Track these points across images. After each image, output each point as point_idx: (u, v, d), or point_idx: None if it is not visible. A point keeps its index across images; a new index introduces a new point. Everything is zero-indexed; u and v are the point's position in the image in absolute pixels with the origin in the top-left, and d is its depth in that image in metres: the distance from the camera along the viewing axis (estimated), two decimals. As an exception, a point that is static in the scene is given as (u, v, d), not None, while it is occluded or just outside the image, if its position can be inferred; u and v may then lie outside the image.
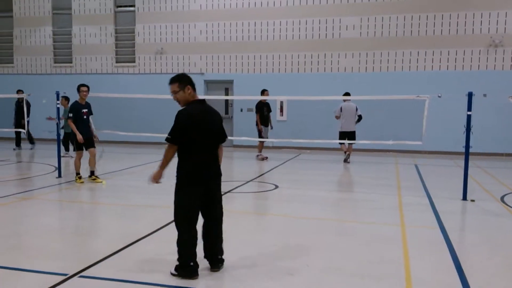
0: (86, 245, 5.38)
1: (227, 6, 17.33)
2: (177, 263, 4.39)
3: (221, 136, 4.64)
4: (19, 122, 14.74)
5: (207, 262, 4.56)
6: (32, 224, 6.29)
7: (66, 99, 13.29)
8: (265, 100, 13.48)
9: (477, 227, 6.54)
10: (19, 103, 15.25)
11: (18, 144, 15.72)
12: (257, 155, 13.65)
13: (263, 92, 13.30)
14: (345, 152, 13.37)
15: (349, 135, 12.95)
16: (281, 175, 11.08)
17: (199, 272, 4.35)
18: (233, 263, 4.73)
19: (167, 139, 4.37)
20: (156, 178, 4.51)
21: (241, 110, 17.23)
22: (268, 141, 13.79)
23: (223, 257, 4.61)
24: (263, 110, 13.59)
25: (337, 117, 13.22)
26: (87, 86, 9.45)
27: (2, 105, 15.56)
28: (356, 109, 13.05)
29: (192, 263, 4.34)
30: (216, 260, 4.55)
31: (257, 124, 13.49)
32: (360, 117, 13.20)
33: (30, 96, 12.80)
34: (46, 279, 4.19)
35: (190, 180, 4.36)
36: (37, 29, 19.57)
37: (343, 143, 13.08)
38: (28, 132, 14.90)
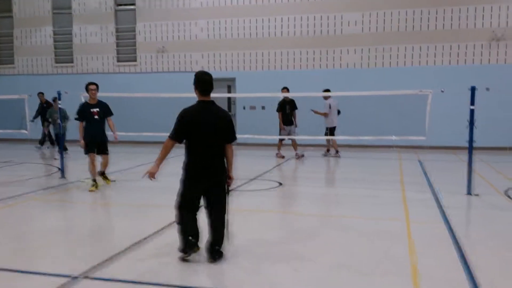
0: (91, 246, 5.37)
1: (228, 3, 17.29)
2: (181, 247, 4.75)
3: (225, 136, 4.76)
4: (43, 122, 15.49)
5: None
6: (37, 225, 6.28)
7: (54, 100, 13.45)
8: (288, 98, 13.15)
9: (482, 221, 6.52)
10: (41, 104, 15.88)
11: (42, 143, 16.08)
12: (276, 153, 13.65)
13: (282, 89, 13.18)
14: (328, 149, 13.85)
15: (334, 130, 13.43)
16: (285, 172, 11.07)
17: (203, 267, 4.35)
18: (238, 260, 4.72)
19: (169, 134, 4.73)
20: (152, 172, 4.87)
21: (244, 108, 17.22)
22: (289, 138, 13.19)
23: (223, 252, 4.83)
24: (284, 109, 13.29)
25: (327, 114, 13.30)
26: (96, 84, 8.87)
27: (5, 106, 15.56)
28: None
29: (190, 237, 4.66)
30: (213, 251, 4.73)
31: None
32: (339, 112, 13.66)
33: (32, 97, 12.80)
34: (53, 281, 4.19)
35: (190, 175, 4.70)
36: (38, 29, 19.56)
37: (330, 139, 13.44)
38: (48, 133, 15.61)
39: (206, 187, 4.70)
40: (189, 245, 4.67)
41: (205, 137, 4.63)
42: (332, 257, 4.84)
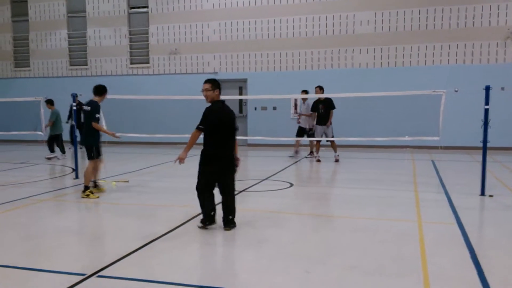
0: (104, 245, 5.42)
1: (239, 4, 17.34)
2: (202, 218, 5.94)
3: (234, 129, 5.95)
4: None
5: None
6: (50, 225, 6.36)
7: (51, 102, 13.55)
8: (323, 98, 12.69)
9: (496, 222, 6.44)
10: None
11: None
12: (314, 156, 13.30)
13: (316, 88, 13.04)
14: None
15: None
16: (296, 172, 11.05)
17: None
18: (249, 260, 4.73)
19: (197, 126, 5.83)
20: (182, 158, 5.90)
21: (255, 109, 17.25)
22: (323, 139, 12.79)
23: (235, 222, 5.96)
24: (317, 109, 12.90)
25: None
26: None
27: (21, 108, 15.80)
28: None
29: (212, 213, 5.88)
30: (227, 221, 5.88)
31: None
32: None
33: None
34: (65, 279, 4.24)
35: (206, 161, 5.83)
36: (53, 33, 19.82)
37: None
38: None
39: (219, 171, 5.81)
40: (209, 219, 5.86)
41: (222, 129, 5.81)
42: (343, 258, 4.82)
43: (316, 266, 4.58)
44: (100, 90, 8.35)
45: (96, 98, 8.31)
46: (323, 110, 12.78)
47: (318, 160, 12.90)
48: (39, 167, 12.31)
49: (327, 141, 12.80)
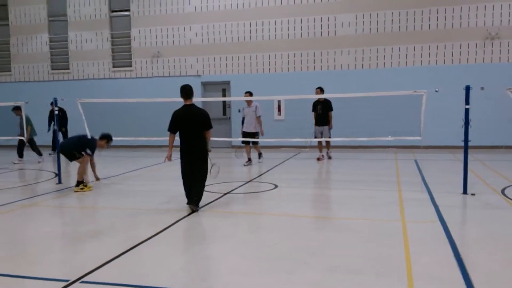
0: (88, 250, 5.37)
1: (221, 7, 17.35)
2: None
3: (201, 126, 7.10)
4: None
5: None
6: (33, 231, 6.28)
7: (19, 108, 13.32)
8: (322, 98, 12.84)
9: (478, 221, 6.53)
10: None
11: (53, 149, 15.98)
12: (317, 158, 13.40)
13: (316, 89, 13.10)
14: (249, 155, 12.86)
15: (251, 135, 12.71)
16: (280, 174, 11.08)
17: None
18: (233, 263, 4.73)
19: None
20: (168, 156, 7.26)
21: (239, 111, 17.22)
22: (308, 140, 12.54)
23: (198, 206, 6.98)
24: (316, 109, 13.21)
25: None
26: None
27: (1, 113, 15.55)
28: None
29: (195, 198, 7.03)
30: (192, 200, 6.98)
31: None
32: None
33: (28, 104, 12.81)
34: (48, 285, 4.19)
35: (181, 154, 7.15)
36: (34, 37, 19.60)
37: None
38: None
39: (191, 161, 7.06)
40: (190, 202, 7.01)
41: (187, 128, 7.05)
42: (327, 258, 4.84)
43: (299, 266, 4.59)
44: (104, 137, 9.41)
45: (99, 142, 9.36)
46: (320, 111, 13.06)
47: (319, 159, 13.27)
48: (20, 172, 12.15)
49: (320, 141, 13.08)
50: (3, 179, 11.19)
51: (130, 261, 4.90)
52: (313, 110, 13.31)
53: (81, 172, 8.91)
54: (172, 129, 7.19)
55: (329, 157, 13.56)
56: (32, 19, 19.59)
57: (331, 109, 13.13)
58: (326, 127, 13.17)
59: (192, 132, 7.05)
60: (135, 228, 6.31)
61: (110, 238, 5.84)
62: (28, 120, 13.36)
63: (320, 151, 13.48)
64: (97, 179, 9.95)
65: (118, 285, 4.21)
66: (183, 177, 7.20)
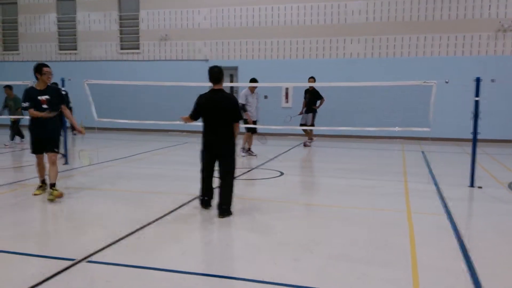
0: (94, 231, 5.38)
1: (231, -9, 17.19)
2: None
3: (228, 115, 6.03)
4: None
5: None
6: (39, 210, 6.31)
7: (11, 88, 13.20)
8: (312, 87, 13.40)
9: (484, 213, 6.50)
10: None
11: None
12: (304, 142, 14.03)
13: (309, 79, 13.24)
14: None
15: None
16: (287, 162, 11.05)
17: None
18: (237, 250, 4.73)
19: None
20: (184, 118, 6.36)
21: (266, 97, 17.11)
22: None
23: (231, 212, 6.01)
24: (304, 97, 13.71)
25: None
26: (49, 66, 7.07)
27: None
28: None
29: (205, 198, 6.21)
30: (221, 209, 5.93)
31: None
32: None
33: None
34: (55, 264, 4.21)
35: (203, 145, 6.14)
36: (42, 16, 19.53)
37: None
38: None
39: (215, 154, 6.07)
40: (202, 203, 6.23)
41: (213, 116, 6.01)
42: (332, 247, 4.83)
43: (304, 254, 4.59)
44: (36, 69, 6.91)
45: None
46: (308, 100, 13.58)
47: (306, 145, 13.79)
48: (25, 152, 12.19)
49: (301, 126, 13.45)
50: (9, 157, 11.22)
51: (135, 243, 4.91)
52: (304, 98, 13.84)
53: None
54: (194, 115, 6.19)
55: (305, 144, 13.82)
56: (40, -2, 19.51)
57: (318, 97, 13.53)
58: (310, 115, 13.60)
59: (217, 121, 6.01)
60: (141, 210, 6.31)
61: (117, 220, 5.85)
62: (18, 101, 13.04)
63: (309, 138, 13.98)
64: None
65: (124, 266, 4.23)
66: (202, 172, 6.18)
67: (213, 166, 6.14)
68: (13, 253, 4.52)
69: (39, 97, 6.71)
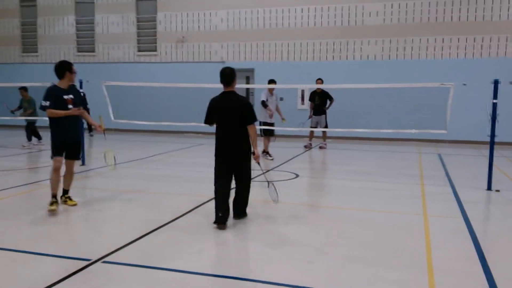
0: (109, 232, 5.45)
1: (248, -7, 17.23)
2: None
3: (240, 118, 5.67)
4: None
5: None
6: (57, 211, 6.40)
7: (26, 90, 13.40)
8: (320, 89, 13.34)
9: (502, 217, 6.42)
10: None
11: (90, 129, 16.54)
12: (305, 145, 14.01)
13: (317, 80, 13.35)
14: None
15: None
16: (302, 164, 11.04)
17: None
18: (251, 251, 4.74)
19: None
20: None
21: (281, 99, 17.10)
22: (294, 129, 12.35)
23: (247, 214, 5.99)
24: (313, 99, 13.62)
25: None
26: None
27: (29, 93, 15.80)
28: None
29: (220, 214, 5.54)
30: (236, 211, 5.87)
31: None
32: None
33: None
34: (71, 264, 4.27)
35: (216, 152, 5.77)
36: (61, 18, 19.80)
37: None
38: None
39: (231, 161, 5.70)
40: (217, 220, 5.55)
41: (224, 119, 5.69)
42: (347, 249, 4.83)
43: (319, 256, 4.59)
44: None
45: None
46: (318, 102, 13.48)
47: (306, 146, 13.77)
48: (42, 154, 12.36)
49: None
50: (25, 159, 11.39)
51: (151, 244, 4.96)
52: (310, 100, 13.75)
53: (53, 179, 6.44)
54: (207, 120, 5.86)
55: (320, 147, 13.79)
56: (59, 0, 19.77)
57: (329, 99, 13.53)
58: (323, 117, 13.56)
59: (230, 125, 5.68)
60: (156, 211, 6.37)
61: (132, 221, 5.91)
62: (32, 103, 13.32)
63: (310, 140, 13.98)
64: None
65: (139, 266, 4.27)
66: (215, 183, 5.71)
67: (229, 178, 5.74)
68: (30, 253, 4.60)
69: (65, 96, 6.27)
